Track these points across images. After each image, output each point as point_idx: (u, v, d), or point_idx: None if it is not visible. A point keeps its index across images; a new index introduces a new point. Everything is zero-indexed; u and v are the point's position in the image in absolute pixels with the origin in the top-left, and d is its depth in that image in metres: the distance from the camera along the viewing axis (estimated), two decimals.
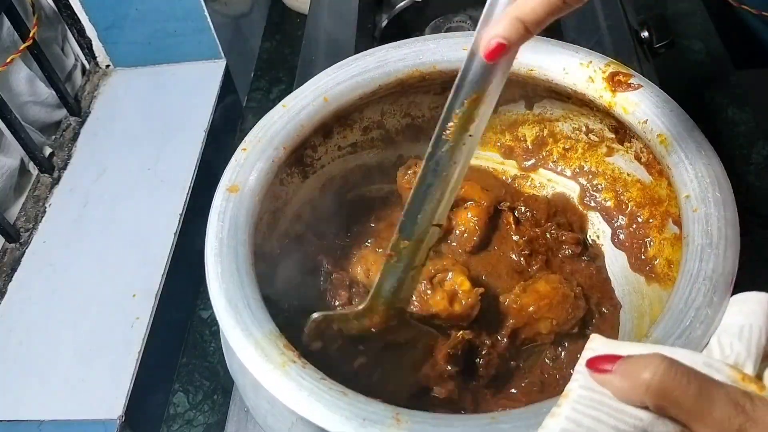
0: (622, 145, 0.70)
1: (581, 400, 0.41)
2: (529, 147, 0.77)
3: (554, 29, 1.03)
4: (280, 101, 0.68)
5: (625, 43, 0.99)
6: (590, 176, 0.74)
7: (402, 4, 1.11)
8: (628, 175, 0.70)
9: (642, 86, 0.62)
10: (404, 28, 1.10)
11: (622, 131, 0.68)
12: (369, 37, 1.08)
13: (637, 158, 0.68)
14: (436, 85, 0.73)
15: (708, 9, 1.27)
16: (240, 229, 0.59)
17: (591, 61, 0.65)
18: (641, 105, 0.61)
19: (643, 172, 0.68)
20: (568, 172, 0.76)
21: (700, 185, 0.54)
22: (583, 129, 0.73)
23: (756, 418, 0.37)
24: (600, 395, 0.41)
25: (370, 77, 0.69)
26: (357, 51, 0.71)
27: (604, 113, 0.66)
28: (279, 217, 0.72)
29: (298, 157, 0.72)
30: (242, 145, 0.64)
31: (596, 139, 0.72)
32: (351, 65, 0.69)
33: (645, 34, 1.06)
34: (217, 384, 0.90)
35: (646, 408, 0.40)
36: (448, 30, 1.06)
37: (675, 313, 0.48)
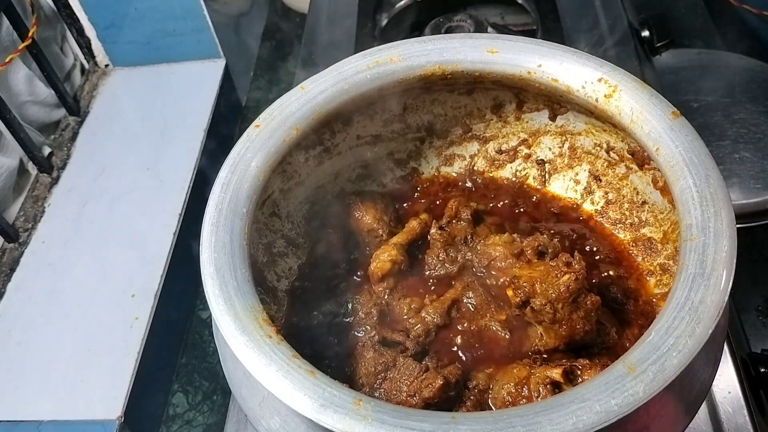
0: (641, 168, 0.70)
1: None
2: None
3: (555, 28, 1.03)
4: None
5: (625, 42, 0.99)
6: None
7: (402, 3, 1.11)
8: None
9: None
10: (404, 27, 1.10)
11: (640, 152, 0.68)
12: (369, 36, 1.08)
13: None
14: (460, 85, 0.73)
15: (708, 8, 1.28)
16: (240, 202, 0.59)
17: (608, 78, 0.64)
18: (656, 126, 0.61)
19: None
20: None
21: (703, 214, 0.54)
22: (604, 146, 0.73)
23: None
24: None
25: (391, 69, 0.68)
26: (357, 51, 0.71)
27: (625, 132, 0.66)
28: (289, 197, 0.73)
29: (314, 141, 0.72)
30: (256, 122, 0.65)
31: (616, 158, 0.72)
32: (374, 55, 0.69)
33: (645, 33, 1.06)
34: (217, 385, 0.90)
35: None
36: (448, 29, 1.06)
37: (655, 338, 0.48)
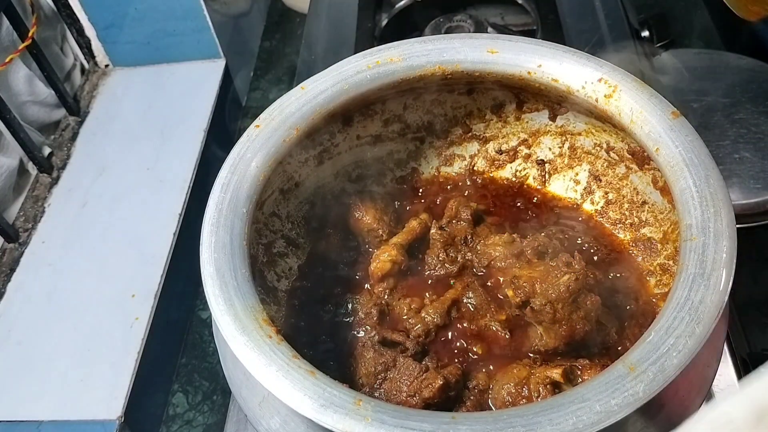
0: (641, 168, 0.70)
1: None
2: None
3: (555, 28, 1.03)
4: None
5: (625, 42, 0.99)
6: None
7: (402, 3, 1.11)
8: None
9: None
10: (404, 27, 1.10)
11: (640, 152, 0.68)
12: (369, 36, 1.08)
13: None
14: (460, 85, 0.73)
15: (708, 9, 1.27)
16: (240, 202, 0.59)
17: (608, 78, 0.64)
18: (656, 126, 0.61)
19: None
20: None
21: (703, 215, 0.54)
22: (604, 146, 0.73)
23: None
24: None
25: (392, 69, 0.68)
26: (357, 51, 0.71)
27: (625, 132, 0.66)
28: (289, 197, 0.73)
29: (314, 141, 0.72)
30: (256, 122, 0.65)
31: (616, 158, 0.72)
32: (374, 55, 0.69)
33: (645, 33, 1.06)
34: (217, 385, 0.90)
35: None
36: (448, 29, 1.06)
37: (655, 339, 0.48)
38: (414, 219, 0.72)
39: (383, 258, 0.68)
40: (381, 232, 0.72)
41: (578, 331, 0.60)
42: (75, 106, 1.13)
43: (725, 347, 0.74)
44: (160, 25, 1.15)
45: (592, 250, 0.71)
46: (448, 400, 0.58)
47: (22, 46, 1.00)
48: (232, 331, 0.51)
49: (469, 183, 0.80)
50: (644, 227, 0.70)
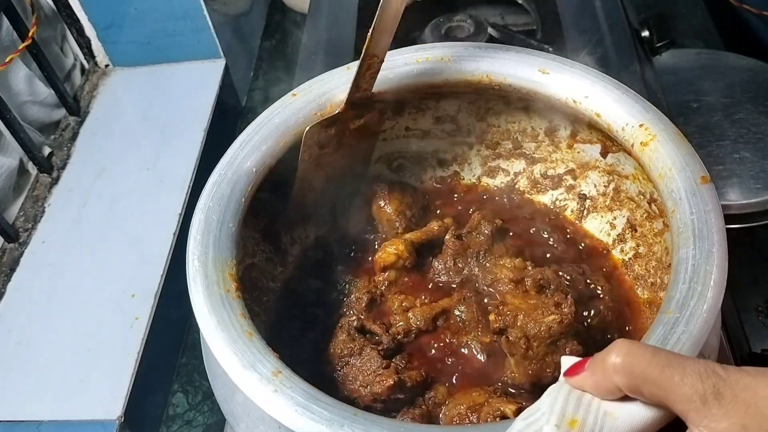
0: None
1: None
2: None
3: (555, 28, 1.03)
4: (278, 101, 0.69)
5: (625, 42, 0.99)
6: None
7: None
8: None
9: None
10: (404, 27, 1.10)
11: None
12: None
13: None
14: (514, 99, 0.71)
15: (708, 9, 1.28)
16: (240, 184, 0.64)
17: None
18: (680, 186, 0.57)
19: None
20: None
21: (688, 291, 0.51)
22: (648, 196, 0.69)
23: (729, 379, 0.36)
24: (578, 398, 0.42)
25: (439, 68, 0.68)
26: (357, 51, 0.71)
27: None
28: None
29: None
30: (293, 91, 0.67)
31: (656, 211, 0.68)
32: (426, 51, 0.69)
33: (645, 33, 1.06)
34: None
35: (621, 398, 0.41)
36: (448, 30, 1.05)
37: None
38: (436, 221, 0.72)
39: (389, 250, 0.68)
40: (398, 225, 0.72)
41: (546, 375, 0.59)
42: (75, 106, 1.13)
43: (725, 347, 0.74)
44: (160, 25, 1.15)
45: (605, 297, 0.68)
46: (396, 401, 0.58)
47: (22, 46, 1.00)
48: (198, 287, 0.53)
49: (506, 199, 0.78)
50: (663, 291, 0.65)
